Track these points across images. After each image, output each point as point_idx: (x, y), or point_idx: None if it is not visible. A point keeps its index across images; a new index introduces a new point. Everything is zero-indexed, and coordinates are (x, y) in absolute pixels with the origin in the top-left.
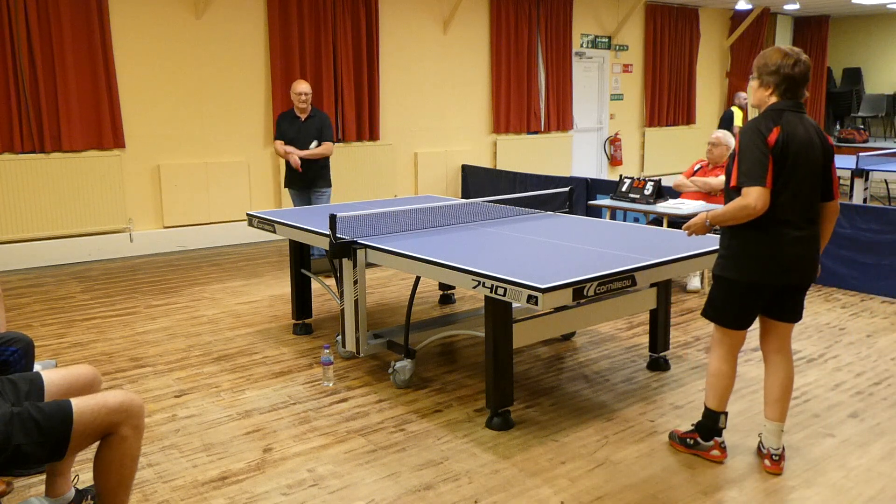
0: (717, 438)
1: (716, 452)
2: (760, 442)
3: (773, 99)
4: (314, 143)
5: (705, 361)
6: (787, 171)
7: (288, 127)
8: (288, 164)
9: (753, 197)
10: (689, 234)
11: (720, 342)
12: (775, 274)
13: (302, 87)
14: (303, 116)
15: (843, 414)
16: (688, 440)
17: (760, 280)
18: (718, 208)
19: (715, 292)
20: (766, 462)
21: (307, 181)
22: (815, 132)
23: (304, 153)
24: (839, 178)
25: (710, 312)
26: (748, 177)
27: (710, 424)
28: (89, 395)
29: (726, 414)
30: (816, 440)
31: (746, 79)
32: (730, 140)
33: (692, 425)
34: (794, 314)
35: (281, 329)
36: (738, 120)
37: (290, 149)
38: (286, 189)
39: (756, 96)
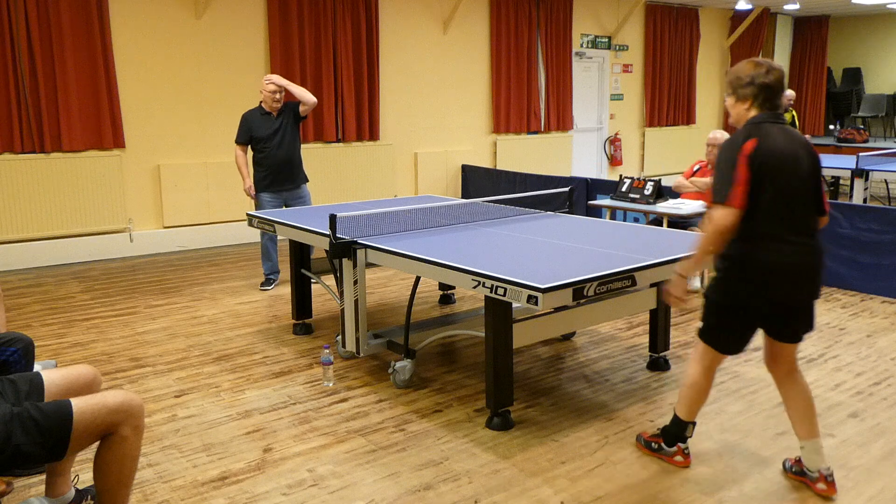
0: (680, 444)
1: (679, 458)
2: (802, 469)
3: (752, 112)
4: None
5: None
6: (767, 182)
7: (259, 126)
8: (263, 163)
9: (715, 217)
10: (673, 304)
11: (703, 356)
12: (761, 295)
13: (276, 83)
14: (274, 113)
15: (843, 414)
16: (652, 444)
17: (747, 302)
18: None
19: (704, 314)
20: (821, 486)
21: (285, 179)
22: (799, 144)
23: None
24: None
25: (703, 334)
26: (714, 194)
27: (677, 432)
28: (89, 395)
29: (694, 424)
30: None
31: None
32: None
33: (658, 429)
34: (795, 334)
35: (281, 329)
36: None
37: (249, 184)
38: (256, 194)
39: (735, 112)
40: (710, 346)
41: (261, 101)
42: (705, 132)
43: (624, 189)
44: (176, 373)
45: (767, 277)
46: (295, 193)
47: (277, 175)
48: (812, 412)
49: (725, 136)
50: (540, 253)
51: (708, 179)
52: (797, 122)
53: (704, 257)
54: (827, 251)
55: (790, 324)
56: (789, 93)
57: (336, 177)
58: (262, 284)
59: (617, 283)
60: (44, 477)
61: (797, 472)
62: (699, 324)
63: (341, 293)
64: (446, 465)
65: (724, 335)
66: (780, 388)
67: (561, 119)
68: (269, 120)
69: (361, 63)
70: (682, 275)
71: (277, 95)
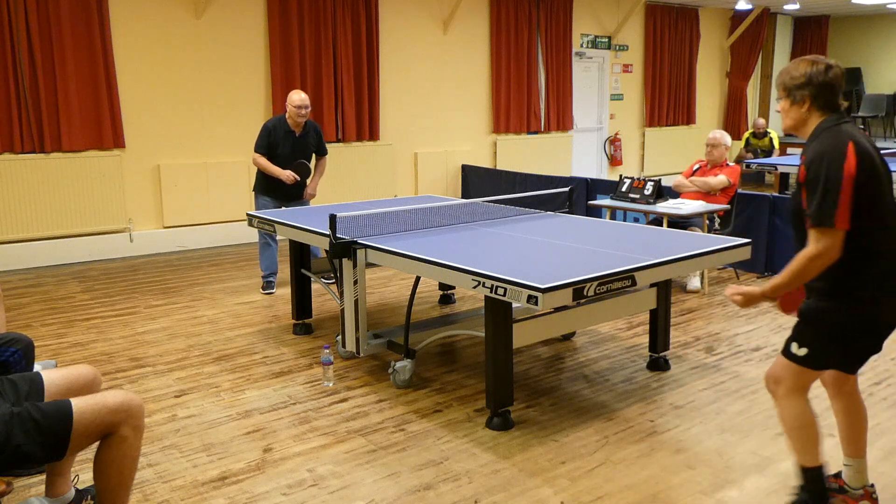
0: (866, 487)
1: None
2: (842, 485)
3: (815, 116)
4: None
5: (705, 361)
6: (876, 188)
7: (281, 142)
8: (266, 174)
9: (822, 243)
10: (738, 303)
11: (801, 388)
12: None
13: (303, 99)
14: (298, 131)
15: None
16: None
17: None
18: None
19: (818, 341)
20: (865, 503)
21: (292, 194)
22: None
23: (311, 188)
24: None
25: (815, 361)
26: (816, 217)
27: (818, 487)
28: (89, 395)
29: (826, 464)
30: None
31: (747, 79)
32: (726, 140)
33: (797, 494)
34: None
35: (281, 329)
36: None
37: (288, 173)
38: (255, 194)
39: (791, 117)
40: (837, 369)
41: (285, 115)
42: (705, 132)
43: (624, 189)
44: (176, 373)
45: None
46: (296, 202)
47: (284, 190)
48: (865, 431)
49: (725, 136)
50: (540, 253)
51: (709, 178)
52: (776, 145)
53: (797, 285)
54: None
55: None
56: (760, 121)
57: (336, 177)
58: (264, 288)
59: (617, 283)
60: (44, 477)
61: (837, 490)
62: (800, 352)
63: (341, 293)
64: (446, 465)
65: (852, 354)
66: (836, 403)
67: (561, 119)
68: (292, 138)
69: (361, 63)
70: (767, 296)
71: (304, 111)
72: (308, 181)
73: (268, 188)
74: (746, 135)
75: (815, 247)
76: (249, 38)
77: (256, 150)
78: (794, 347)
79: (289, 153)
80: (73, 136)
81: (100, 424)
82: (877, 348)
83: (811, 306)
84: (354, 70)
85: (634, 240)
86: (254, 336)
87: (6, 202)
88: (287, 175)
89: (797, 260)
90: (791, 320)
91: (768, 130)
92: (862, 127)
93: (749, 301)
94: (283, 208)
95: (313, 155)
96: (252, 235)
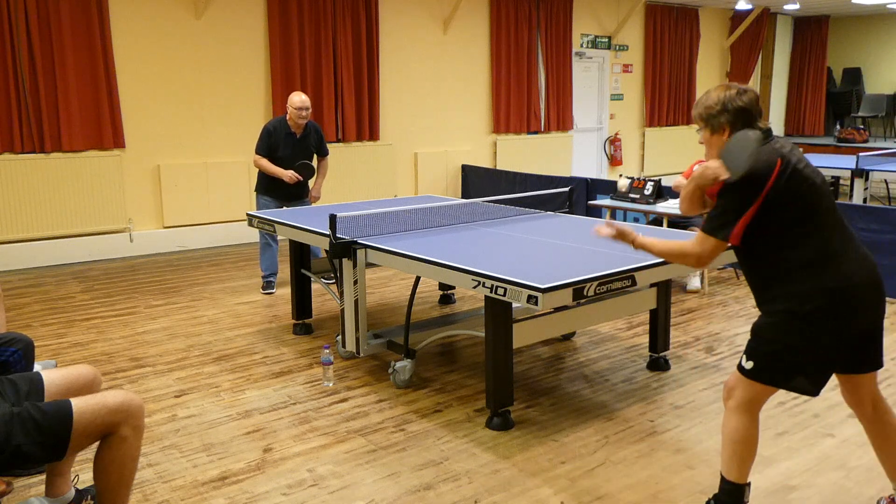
0: None
1: None
2: None
3: None
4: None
5: (705, 361)
6: (807, 200)
7: (282, 144)
8: (267, 174)
9: (710, 247)
10: (599, 231)
11: (753, 403)
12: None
13: (304, 101)
14: (298, 132)
15: (843, 414)
16: None
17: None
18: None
19: (769, 357)
20: None
21: (293, 193)
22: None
23: (315, 190)
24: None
25: (763, 376)
26: (717, 219)
27: (736, 502)
28: (89, 395)
29: (749, 485)
30: (816, 440)
31: (746, 79)
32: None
33: (708, 502)
34: (874, 360)
35: (281, 329)
36: None
37: (290, 173)
38: (256, 194)
39: (714, 145)
40: (798, 391)
41: (286, 116)
42: None
43: (624, 189)
44: (176, 373)
45: (850, 301)
46: (297, 202)
47: (286, 190)
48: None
49: None
50: (540, 253)
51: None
52: None
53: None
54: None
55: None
56: None
57: (336, 177)
58: (264, 288)
59: (617, 283)
60: (44, 477)
61: None
62: (747, 365)
63: (341, 293)
64: (446, 465)
65: (791, 371)
66: (868, 428)
67: (561, 119)
68: (293, 139)
69: (361, 63)
70: (633, 244)
71: (304, 113)
72: (311, 182)
73: (269, 188)
74: None
75: (693, 247)
76: (249, 38)
77: (257, 153)
78: (744, 360)
79: (290, 155)
80: (73, 136)
81: (100, 424)
82: (824, 368)
83: (757, 321)
84: (354, 70)
85: None
86: (254, 336)
87: (6, 202)
88: (289, 175)
89: (676, 245)
90: None
91: None
92: (862, 127)
93: (617, 236)
94: (284, 208)
95: (314, 156)
96: (252, 235)
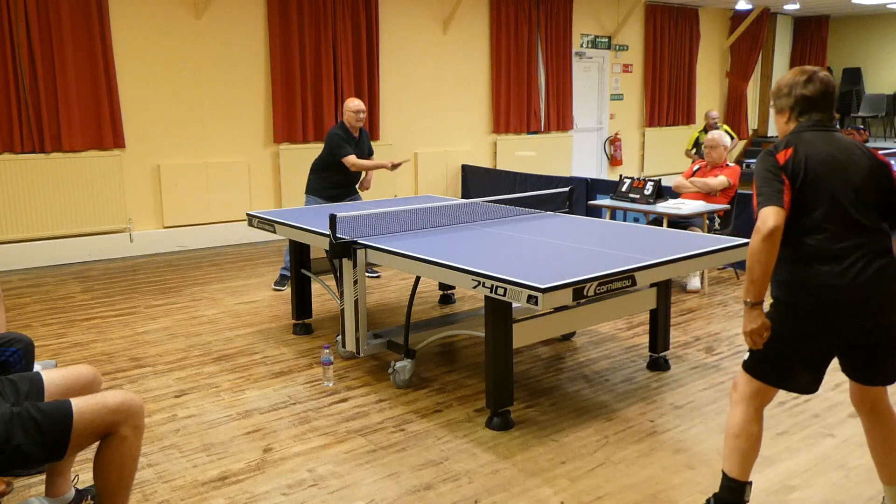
0: None
1: None
2: None
3: (791, 125)
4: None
5: (705, 361)
6: (811, 194)
7: (353, 145)
8: (334, 179)
9: (761, 216)
10: (755, 345)
11: (753, 397)
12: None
13: (359, 105)
14: (355, 134)
15: (843, 414)
16: None
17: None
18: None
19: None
20: None
21: (347, 193)
22: (852, 150)
23: (367, 182)
24: None
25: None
26: (761, 196)
27: (734, 499)
28: (89, 395)
29: (751, 483)
30: (816, 440)
31: (746, 79)
32: (725, 140)
33: (707, 501)
34: (878, 375)
35: (281, 329)
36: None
37: (389, 161)
38: (307, 196)
39: (777, 126)
40: (786, 389)
41: (343, 121)
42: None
43: (624, 189)
44: (176, 373)
45: (824, 303)
46: (350, 198)
47: (341, 190)
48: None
49: (725, 137)
50: (540, 253)
51: (709, 180)
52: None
53: (761, 275)
54: None
55: (868, 361)
56: (713, 114)
57: None
58: (276, 283)
59: (617, 283)
60: (44, 477)
61: None
62: (745, 356)
63: (341, 293)
64: (446, 465)
65: (777, 364)
66: (866, 426)
67: (561, 119)
68: (354, 141)
69: (361, 63)
70: (751, 300)
71: (361, 115)
72: (362, 178)
73: (321, 191)
74: (696, 133)
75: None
76: (249, 38)
77: (345, 155)
78: (746, 355)
79: (357, 155)
80: (73, 136)
81: (100, 424)
82: (811, 366)
83: None
84: (354, 70)
85: (634, 240)
86: (254, 336)
87: (6, 202)
88: (388, 163)
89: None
90: None
91: (719, 125)
92: (862, 127)
93: (755, 325)
94: (293, 208)
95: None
96: (252, 235)
